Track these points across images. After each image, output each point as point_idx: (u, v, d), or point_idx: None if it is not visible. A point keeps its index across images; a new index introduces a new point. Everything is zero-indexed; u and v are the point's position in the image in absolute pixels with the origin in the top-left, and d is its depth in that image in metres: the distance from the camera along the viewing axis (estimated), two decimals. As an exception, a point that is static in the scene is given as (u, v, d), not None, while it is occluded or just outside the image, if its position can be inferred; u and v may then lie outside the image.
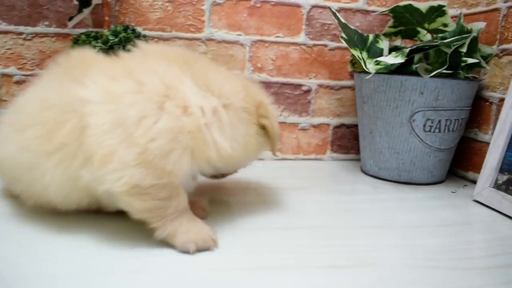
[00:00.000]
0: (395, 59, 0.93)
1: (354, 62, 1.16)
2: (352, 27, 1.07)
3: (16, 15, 1.06)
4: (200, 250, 0.62)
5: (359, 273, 0.59)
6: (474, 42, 0.99)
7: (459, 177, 1.14)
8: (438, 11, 1.00)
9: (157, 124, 0.58)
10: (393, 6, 1.03)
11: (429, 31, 1.06)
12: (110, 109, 0.58)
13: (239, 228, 0.73)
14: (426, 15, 1.02)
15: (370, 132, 1.07)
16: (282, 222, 0.77)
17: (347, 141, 1.25)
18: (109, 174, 0.57)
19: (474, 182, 1.05)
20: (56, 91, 0.65)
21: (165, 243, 0.63)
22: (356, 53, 1.01)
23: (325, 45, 1.19)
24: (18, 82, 1.08)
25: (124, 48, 0.96)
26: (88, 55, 0.71)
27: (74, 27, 1.05)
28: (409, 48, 0.94)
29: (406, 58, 0.93)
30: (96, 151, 0.57)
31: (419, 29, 1.10)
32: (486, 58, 1.04)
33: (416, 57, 1.05)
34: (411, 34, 1.13)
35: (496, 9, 1.04)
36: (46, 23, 1.08)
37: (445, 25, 1.03)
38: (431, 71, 0.97)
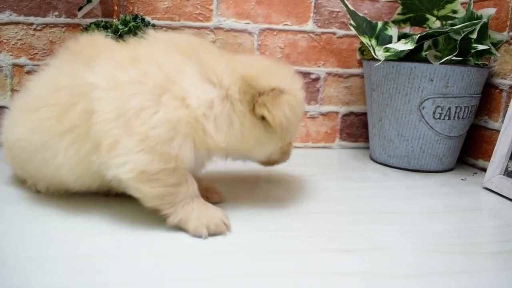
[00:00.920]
0: (404, 46, 0.93)
1: (363, 49, 1.15)
2: (361, 15, 1.06)
3: (26, 5, 1.07)
4: (212, 234, 0.63)
5: (370, 256, 0.60)
6: (484, 29, 0.98)
7: (469, 165, 1.13)
8: (447, -3, 0.99)
9: (156, 115, 0.59)
10: (403, -8, 1.03)
11: (438, 18, 1.06)
12: (115, 96, 0.60)
13: (252, 213, 0.73)
14: (435, 1, 1.01)
15: (379, 119, 1.07)
16: (293, 207, 0.77)
17: (356, 129, 1.25)
18: (115, 160, 0.59)
19: (484, 170, 1.05)
20: (67, 74, 0.66)
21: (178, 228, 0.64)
22: (365, 40, 1.01)
23: (334, 33, 1.18)
24: (29, 72, 1.09)
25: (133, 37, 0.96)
26: (98, 39, 0.72)
27: (83, 17, 1.05)
28: (419, 35, 0.94)
29: (415, 45, 0.92)
30: (103, 139, 0.59)
31: (428, 16, 1.09)
32: (496, 44, 1.03)
33: (425, 44, 1.04)
34: (420, 21, 1.12)
35: (507, -5, 1.03)
36: (56, 13, 1.08)
37: (455, 11, 1.02)
38: (441, 58, 0.96)
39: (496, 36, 1.04)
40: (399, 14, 1.12)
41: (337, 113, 1.23)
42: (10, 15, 1.07)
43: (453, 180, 1.00)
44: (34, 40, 1.09)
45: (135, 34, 0.96)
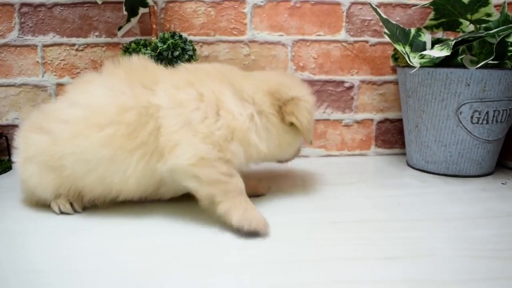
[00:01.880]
0: (440, 52, 0.93)
1: (396, 56, 1.16)
2: (394, 22, 1.07)
3: (68, 27, 1.12)
4: (252, 230, 0.68)
5: (414, 263, 0.61)
6: (520, 31, 0.98)
7: (508, 168, 1.12)
8: (481, 1, 0.99)
9: (219, 122, 0.72)
10: (435, -2, 1.03)
11: (472, 21, 1.05)
12: (178, 112, 0.72)
13: (292, 223, 0.75)
14: (469, 5, 1.01)
15: (416, 126, 1.07)
16: (333, 216, 0.79)
17: (391, 136, 1.25)
18: (178, 154, 0.69)
19: (525, 172, 1.04)
20: (130, 96, 0.74)
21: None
22: (400, 47, 1.02)
23: (366, 41, 1.19)
24: (73, 91, 1.14)
25: (172, 54, 1.00)
26: (148, 63, 0.82)
27: (123, 36, 1.09)
28: (454, 41, 0.94)
29: (451, 50, 0.93)
30: (167, 145, 0.70)
31: (461, 20, 1.09)
32: (533, 46, 1.02)
33: (460, 48, 1.04)
34: (453, 26, 1.12)
35: (542, -4, 1.02)
36: (97, 33, 1.13)
37: (489, 14, 1.02)
38: (477, 62, 0.96)
39: (532, 37, 1.03)
40: (431, 19, 1.12)
41: (372, 120, 1.23)
42: (54, 36, 1.12)
43: (493, 184, 0.99)
44: (77, 60, 1.14)
45: (173, 51, 1.00)
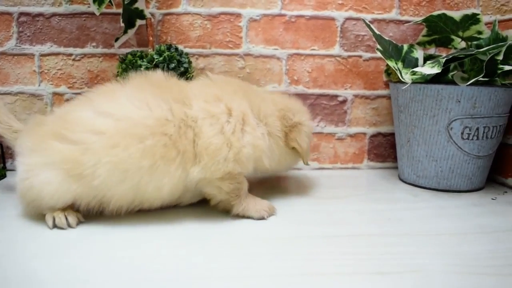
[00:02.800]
0: (431, 70, 0.95)
1: (389, 72, 1.18)
2: (387, 38, 1.09)
3: (66, 37, 1.13)
4: (268, 216, 0.86)
5: (405, 279, 0.61)
6: (510, 49, 0.99)
7: (498, 184, 1.14)
8: (472, 19, 1.01)
9: (245, 138, 0.81)
10: (427, 16, 1.05)
11: (463, 39, 1.07)
12: (212, 122, 0.80)
13: (283, 237, 0.76)
14: (460, 23, 1.03)
15: (407, 140, 1.08)
16: (324, 231, 0.80)
17: (383, 150, 1.26)
18: (214, 165, 0.78)
19: (514, 188, 1.06)
20: (166, 109, 0.79)
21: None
22: (392, 64, 1.04)
23: (360, 56, 1.21)
24: (68, 100, 1.15)
25: (168, 66, 1.01)
26: (170, 78, 0.87)
27: (119, 47, 1.10)
28: (445, 58, 0.96)
29: (442, 68, 0.94)
30: (207, 147, 0.78)
31: (453, 37, 1.11)
32: (523, 64, 1.04)
33: (451, 65, 1.06)
34: (445, 42, 1.14)
35: (532, 16, 1.04)
36: (94, 44, 1.14)
37: (480, 32, 1.04)
38: (468, 79, 0.98)
39: (522, 56, 1.05)
40: (424, 35, 1.14)
41: (364, 134, 1.25)
42: (51, 46, 1.13)
43: (484, 199, 1.00)
44: (73, 69, 1.15)
45: (169, 63, 1.01)
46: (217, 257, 0.68)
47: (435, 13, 1.04)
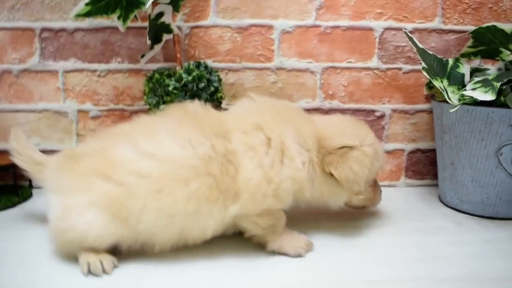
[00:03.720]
0: (484, 96, 0.87)
1: (431, 86, 1.10)
2: (430, 52, 1.01)
3: (90, 53, 1.09)
4: (306, 252, 0.81)
5: None
6: None
7: (548, 208, 1.06)
8: (525, 32, 0.93)
9: (283, 171, 0.76)
10: (476, 28, 0.98)
11: (513, 51, 0.99)
12: (251, 155, 0.75)
13: (311, 283, 0.71)
14: (510, 36, 0.95)
15: (451, 163, 1.01)
16: (357, 274, 0.75)
17: (422, 167, 1.20)
18: (253, 202, 0.75)
19: None
20: (207, 146, 0.75)
21: None
22: (438, 83, 0.96)
23: (399, 68, 1.13)
24: (94, 118, 1.11)
25: (197, 86, 0.95)
26: (208, 108, 0.83)
27: (146, 62, 1.05)
28: (500, 83, 0.88)
29: (496, 95, 0.87)
30: (246, 183, 0.74)
31: (501, 49, 1.02)
32: None
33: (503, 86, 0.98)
34: (492, 54, 1.06)
35: None
36: (119, 59, 1.09)
37: (533, 46, 0.96)
38: (521, 102, 0.90)
39: None
40: (469, 46, 1.06)
41: (403, 150, 1.18)
42: (75, 62, 1.09)
43: (534, 229, 0.94)
44: (98, 86, 1.10)
45: (199, 82, 0.96)
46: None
47: (485, 25, 0.97)
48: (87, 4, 0.91)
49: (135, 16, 0.99)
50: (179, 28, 1.06)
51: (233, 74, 1.11)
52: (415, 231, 0.92)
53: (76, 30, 1.07)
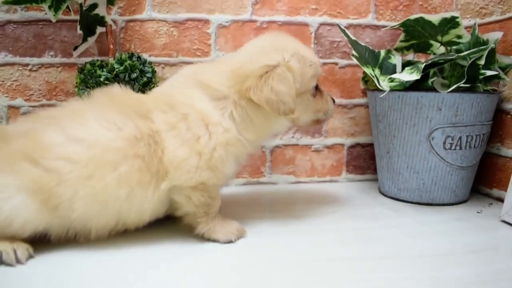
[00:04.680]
0: (410, 76, 0.89)
1: (366, 79, 1.12)
2: (363, 44, 1.03)
3: (21, 46, 1.05)
4: (237, 239, 0.78)
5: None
6: (491, 53, 0.95)
7: (483, 195, 1.08)
8: (451, 22, 0.96)
9: (211, 140, 0.73)
10: (404, 20, 1.00)
11: (442, 43, 1.02)
12: (174, 133, 0.73)
13: (252, 262, 0.69)
14: (439, 27, 0.98)
15: (387, 151, 1.02)
16: (298, 254, 0.73)
17: (362, 161, 1.20)
18: (184, 175, 0.72)
19: (499, 199, 1.00)
20: (131, 127, 0.72)
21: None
22: (369, 70, 0.98)
23: (336, 63, 1.15)
24: (25, 114, 1.06)
25: (129, 76, 0.93)
26: (129, 91, 0.81)
27: (79, 56, 1.03)
28: (424, 64, 0.90)
29: (421, 74, 0.89)
30: (172, 162, 0.72)
31: (432, 42, 1.05)
32: (505, 69, 0.99)
33: (431, 71, 1.00)
34: (423, 48, 1.09)
35: (512, 18, 1.00)
36: (52, 53, 1.06)
37: (459, 36, 0.99)
38: (448, 86, 0.93)
39: (504, 60, 1.00)
40: (402, 41, 1.08)
41: (342, 145, 1.18)
42: (6, 56, 1.05)
43: (469, 213, 0.95)
44: (30, 80, 1.06)
45: (131, 73, 0.94)
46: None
47: (412, 17, 0.99)
48: (16, -9, 0.89)
49: (69, 8, 0.97)
50: (114, 21, 1.05)
51: (169, 68, 1.09)
52: (352, 218, 0.92)
53: (8, 22, 1.04)
